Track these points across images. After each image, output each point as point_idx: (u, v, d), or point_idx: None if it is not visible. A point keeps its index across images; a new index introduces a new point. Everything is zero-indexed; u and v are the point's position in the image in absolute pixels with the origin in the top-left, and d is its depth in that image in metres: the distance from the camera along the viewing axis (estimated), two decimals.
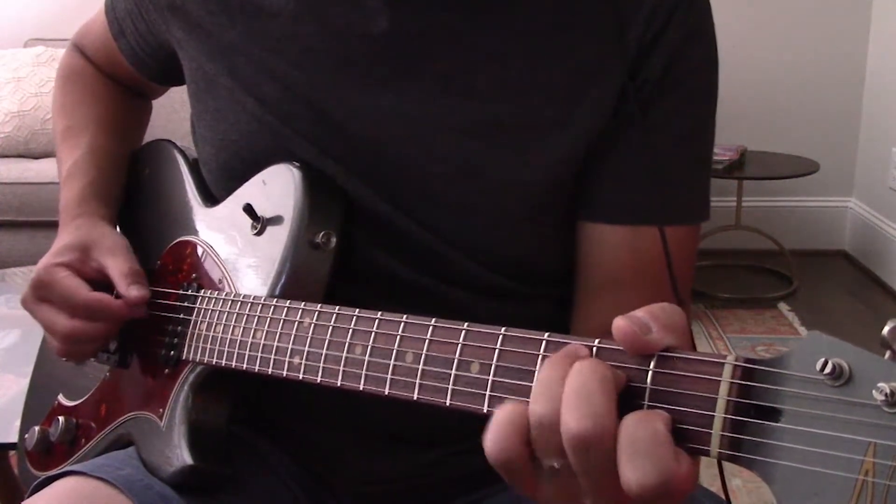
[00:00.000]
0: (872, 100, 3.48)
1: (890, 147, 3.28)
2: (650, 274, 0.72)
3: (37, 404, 0.96)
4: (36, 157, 3.17)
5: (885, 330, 0.39)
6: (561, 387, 0.46)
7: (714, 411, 0.42)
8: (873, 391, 0.37)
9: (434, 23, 0.71)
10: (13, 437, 1.35)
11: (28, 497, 0.73)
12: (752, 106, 3.48)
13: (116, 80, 1.00)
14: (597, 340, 0.49)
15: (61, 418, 0.87)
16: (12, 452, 1.62)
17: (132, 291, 0.79)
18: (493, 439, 0.48)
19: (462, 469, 0.79)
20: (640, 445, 0.43)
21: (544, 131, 0.72)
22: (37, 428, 0.89)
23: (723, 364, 0.43)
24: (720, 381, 0.42)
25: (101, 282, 0.82)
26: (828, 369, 0.38)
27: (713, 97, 0.75)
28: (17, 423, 0.98)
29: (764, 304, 3.08)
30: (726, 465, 0.61)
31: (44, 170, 2.95)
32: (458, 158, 0.72)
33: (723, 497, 0.66)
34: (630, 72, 0.70)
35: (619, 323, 0.47)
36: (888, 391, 0.37)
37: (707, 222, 0.77)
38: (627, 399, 0.46)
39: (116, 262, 0.81)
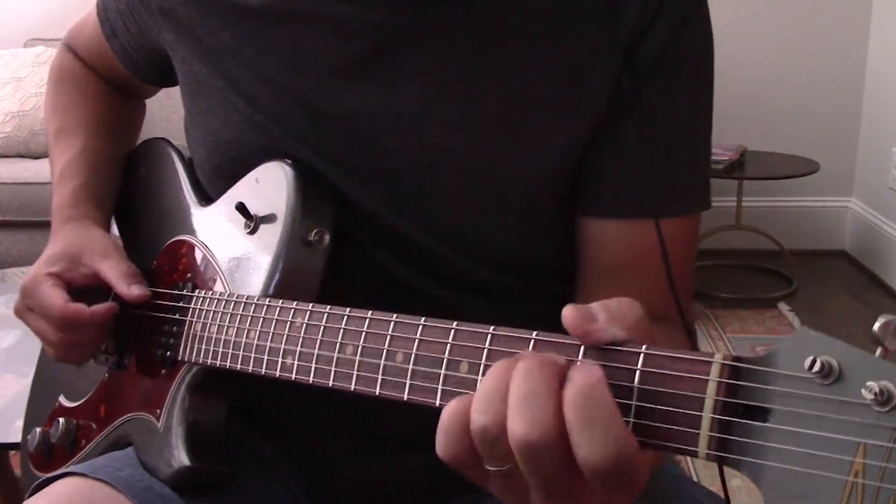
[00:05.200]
0: (872, 100, 3.47)
1: (890, 147, 3.27)
2: (648, 267, 0.71)
3: (39, 406, 0.96)
4: (36, 157, 3.17)
5: (876, 326, 0.38)
6: (504, 396, 0.45)
7: (702, 411, 0.42)
8: (862, 390, 0.36)
9: (426, 18, 0.70)
10: (13, 437, 1.35)
11: (27, 498, 0.73)
12: (752, 106, 3.47)
13: (109, 80, 0.99)
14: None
15: (61, 419, 0.87)
16: (13, 452, 1.62)
17: (134, 291, 0.80)
18: (442, 441, 0.47)
19: None
20: (595, 417, 0.42)
21: (540, 126, 0.71)
22: (38, 429, 0.89)
23: (710, 363, 0.42)
24: (708, 380, 0.42)
25: (93, 287, 0.82)
26: (816, 367, 0.38)
27: (708, 85, 0.74)
28: (18, 423, 0.99)
29: (764, 304, 3.08)
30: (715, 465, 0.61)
31: (44, 170, 2.92)
32: (452, 154, 0.71)
33: (723, 497, 0.66)
34: (624, 58, 0.69)
35: (566, 311, 0.47)
36: (877, 390, 0.36)
37: (707, 222, 0.76)
38: (616, 400, 0.45)
39: (111, 265, 0.81)
